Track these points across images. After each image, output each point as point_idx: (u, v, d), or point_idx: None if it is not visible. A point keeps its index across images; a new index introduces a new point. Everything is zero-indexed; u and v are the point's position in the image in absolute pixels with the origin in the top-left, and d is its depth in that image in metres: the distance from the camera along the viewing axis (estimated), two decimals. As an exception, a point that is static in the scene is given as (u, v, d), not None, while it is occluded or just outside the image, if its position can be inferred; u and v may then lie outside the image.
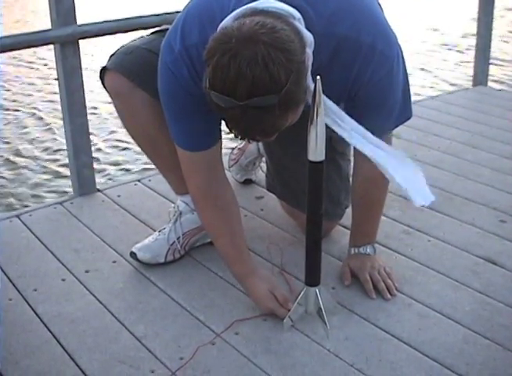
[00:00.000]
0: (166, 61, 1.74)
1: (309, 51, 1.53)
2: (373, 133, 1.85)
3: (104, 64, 2.06)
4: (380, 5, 1.80)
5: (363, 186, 2.00)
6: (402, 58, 1.78)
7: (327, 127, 1.64)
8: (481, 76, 4.08)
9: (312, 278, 1.82)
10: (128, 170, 4.83)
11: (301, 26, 1.53)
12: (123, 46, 2.10)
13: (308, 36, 1.53)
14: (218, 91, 1.41)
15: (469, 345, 1.78)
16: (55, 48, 2.54)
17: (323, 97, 1.58)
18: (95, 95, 6.31)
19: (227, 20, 1.53)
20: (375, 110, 1.78)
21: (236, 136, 1.52)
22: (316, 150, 1.62)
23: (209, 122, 1.79)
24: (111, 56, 2.08)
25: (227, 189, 1.96)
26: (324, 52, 1.63)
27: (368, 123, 1.79)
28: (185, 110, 1.78)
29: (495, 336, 1.81)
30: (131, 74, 2.02)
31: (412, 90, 1.87)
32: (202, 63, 1.50)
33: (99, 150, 5.07)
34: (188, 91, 1.72)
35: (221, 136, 1.89)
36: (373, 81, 1.71)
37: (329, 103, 1.64)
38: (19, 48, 2.56)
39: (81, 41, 2.54)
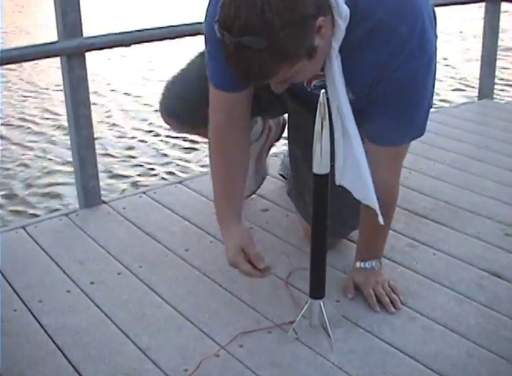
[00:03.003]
0: (211, 2, 1.82)
1: (341, 23, 1.59)
2: (392, 136, 1.87)
3: (161, 92, 2.26)
4: (434, 11, 1.78)
5: (369, 225, 2.01)
6: (434, 68, 1.78)
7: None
8: (486, 89, 4.08)
9: (317, 291, 1.82)
10: (133, 182, 4.85)
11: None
12: (181, 71, 2.24)
13: (344, 9, 1.58)
14: (221, 26, 1.53)
15: (473, 359, 1.78)
16: (61, 61, 2.54)
17: (338, 78, 1.68)
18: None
19: None
20: (393, 108, 1.78)
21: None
22: (321, 163, 1.62)
23: None
24: (167, 83, 2.26)
25: (241, 137, 2.02)
26: (360, 30, 1.66)
27: (388, 123, 1.81)
28: (220, 48, 1.82)
29: (499, 350, 1.81)
30: (187, 121, 2.23)
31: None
32: None
33: (104, 161, 5.08)
34: None
35: (247, 88, 1.94)
36: (397, 74, 1.71)
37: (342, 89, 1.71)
38: (25, 61, 2.58)
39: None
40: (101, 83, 7.39)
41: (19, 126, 6.18)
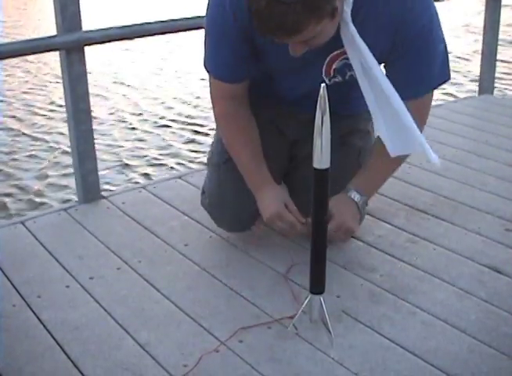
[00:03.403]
0: None
1: None
2: (416, 88, 1.95)
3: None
4: None
5: (378, 158, 2.05)
6: (439, 20, 1.88)
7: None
8: (486, 84, 4.07)
9: (317, 286, 1.82)
10: (133, 177, 4.85)
11: None
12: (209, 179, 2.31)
13: None
14: None
15: (474, 355, 1.77)
16: (60, 55, 2.53)
17: (357, 38, 1.76)
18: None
19: None
20: (417, 59, 1.88)
21: (260, 33, 1.65)
22: (322, 158, 1.62)
23: (244, 56, 1.94)
24: (202, 192, 2.35)
25: (248, 116, 2.10)
26: None
27: (410, 74, 1.89)
28: (225, 38, 1.92)
29: (500, 345, 1.80)
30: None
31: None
32: None
33: (103, 156, 5.08)
34: (230, 19, 1.85)
35: (251, 74, 2.03)
36: (415, 29, 1.83)
37: (364, 47, 1.78)
38: (24, 55, 2.57)
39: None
40: (110, 76, 7.52)
41: (44, 115, 6.27)
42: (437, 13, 1.86)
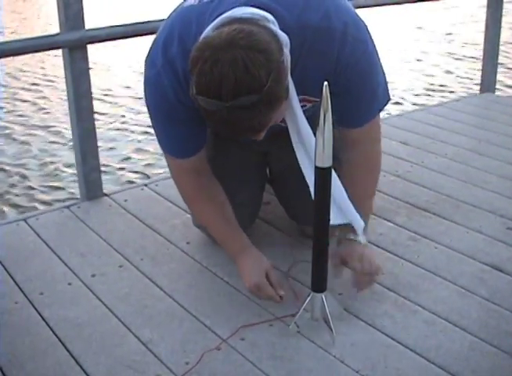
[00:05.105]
0: (149, 76, 1.82)
1: (286, 51, 1.59)
2: (361, 118, 1.91)
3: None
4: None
5: (349, 170, 1.96)
6: (374, 44, 1.83)
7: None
8: (488, 83, 4.07)
9: (319, 284, 1.82)
10: (135, 173, 4.85)
11: (275, 27, 1.60)
12: None
13: (283, 36, 1.59)
14: (205, 95, 1.49)
15: (475, 353, 1.78)
16: (63, 53, 2.54)
17: (295, 98, 1.71)
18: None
19: (207, 31, 1.60)
20: (358, 93, 1.83)
21: (226, 137, 1.63)
22: (324, 156, 1.62)
23: (195, 129, 1.89)
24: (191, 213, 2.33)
25: (214, 184, 2.04)
26: (300, 45, 1.70)
27: (355, 107, 1.85)
28: (171, 119, 1.86)
29: (501, 344, 1.81)
30: None
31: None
32: (184, 71, 1.67)
33: (107, 153, 5.08)
34: (172, 101, 1.79)
35: (205, 141, 1.96)
36: (351, 64, 1.76)
37: (299, 110, 1.75)
38: (27, 53, 2.57)
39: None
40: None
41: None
42: (370, 34, 1.82)
